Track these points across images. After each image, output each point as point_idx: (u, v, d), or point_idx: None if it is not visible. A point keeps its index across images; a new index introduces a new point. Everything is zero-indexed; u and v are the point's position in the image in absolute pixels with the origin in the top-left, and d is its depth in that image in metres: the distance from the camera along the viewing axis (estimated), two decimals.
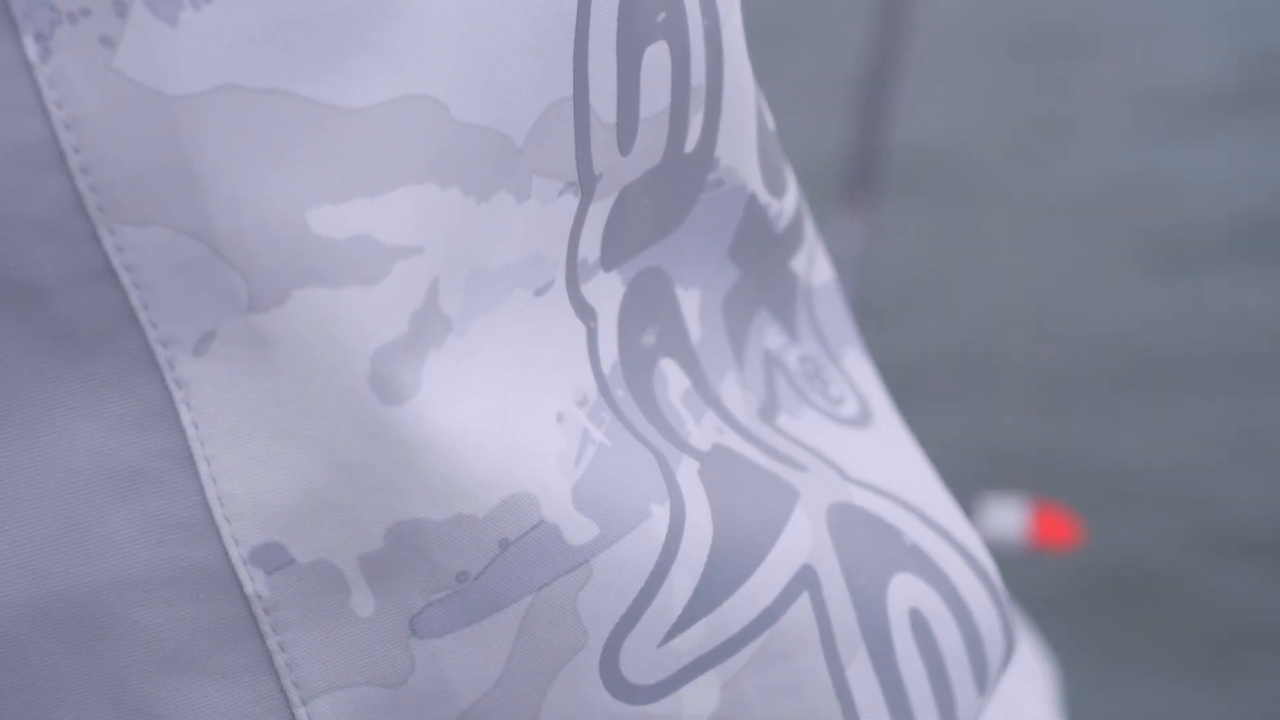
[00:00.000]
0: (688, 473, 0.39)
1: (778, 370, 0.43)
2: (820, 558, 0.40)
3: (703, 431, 0.40)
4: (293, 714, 0.36)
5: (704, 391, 0.40)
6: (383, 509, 0.35)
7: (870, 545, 0.41)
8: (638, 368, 0.39)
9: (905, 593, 0.41)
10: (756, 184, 0.42)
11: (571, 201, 0.38)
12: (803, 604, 0.39)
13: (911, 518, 0.43)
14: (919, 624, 0.41)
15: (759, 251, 0.42)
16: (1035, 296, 2.85)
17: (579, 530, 0.36)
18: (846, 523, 0.41)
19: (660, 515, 0.37)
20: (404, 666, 0.36)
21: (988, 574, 0.44)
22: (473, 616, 0.36)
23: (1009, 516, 0.81)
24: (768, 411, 0.42)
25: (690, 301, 0.41)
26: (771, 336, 0.43)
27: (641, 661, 0.37)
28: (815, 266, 0.44)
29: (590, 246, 0.38)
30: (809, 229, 0.44)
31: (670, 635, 0.37)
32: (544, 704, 0.37)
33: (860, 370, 0.45)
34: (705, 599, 0.38)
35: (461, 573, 0.36)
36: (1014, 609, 0.63)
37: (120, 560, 0.35)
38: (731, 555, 0.38)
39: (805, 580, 0.39)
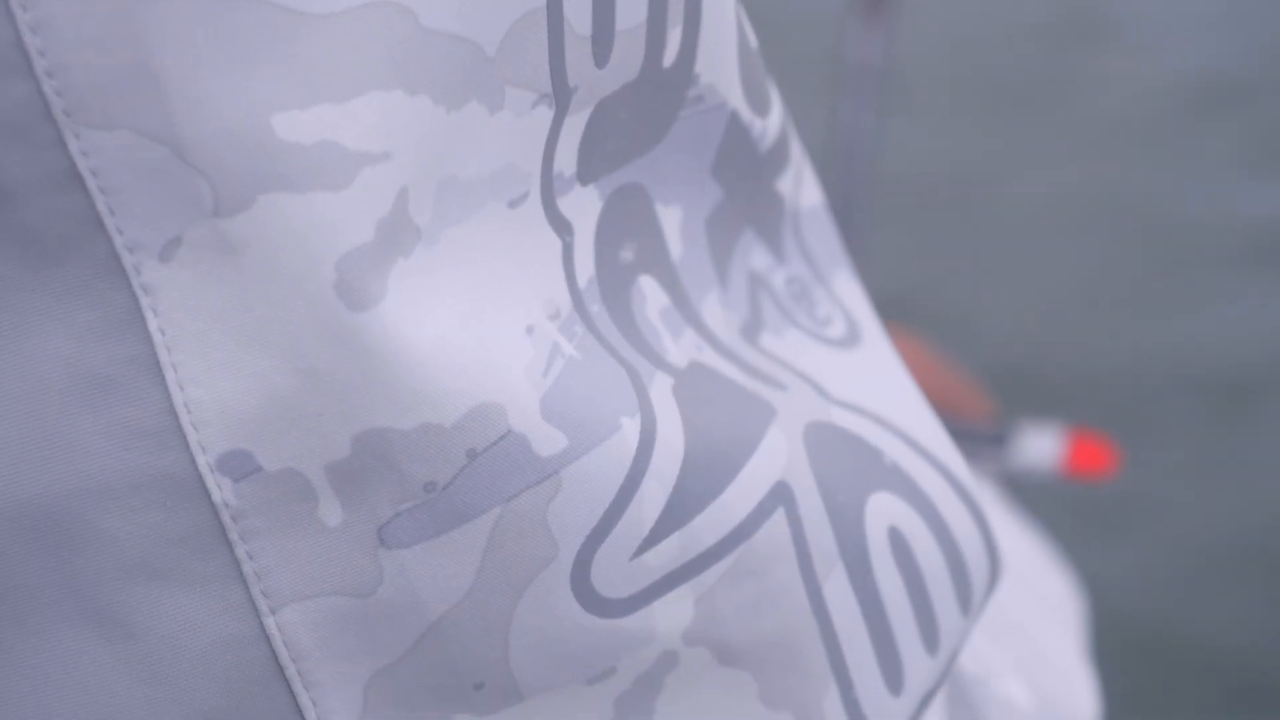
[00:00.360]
0: (661, 388, 0.38)
1: (763, 291, 0.42)
2: (796, 475, 0.40)
3: (680, 349, 0.40)
4: (261, 623, 0.36)
5: (684, 309, 0.40)
6: (349, 417, 0.35)
7: (849, 464, 0.41)
8: (615, 283, 0.39)
9: (884, 511, 0.41)
10: (738, 102, 0.41)
11: (546, 114, 0.37)
12: (777, 520, 0.39)
13: (893, 438, 0.42)
14: (898, 542, 0.41)
15: (743, 171, 0.42)
16: (1050, 309, 2.82)
17: (547, 441, 0.36)
18: (824, 441, 0.41)
19: (630, 429, 0.37)
20: (372, 577, 0.36)
21: (971, 497, 0.44)
22: (441, 527, 0.36)
23: (1045, 443, 0.80)
24: (750, 331, 0.41)
25: (671, 219, 0.41)
26: (757, 257, 0.43)
27: (613, 575, 0.37)
28: (803, 188, 0.44)
29: (566, 160, 0.38)
30: (795, 149, 0.44)
31: (642, 549, 0.37)
32: (515, 616, 0.37)
33: (850, 292, 0.45)
34: (677, 513, 0.38)
35: (429, 483, 0.36)
36: (1035, 536, 0.62)
37: (89, 468, 0.35)
38: (704, 471, 0.38)
39: (780, 497, 0.39)
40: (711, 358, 0.40)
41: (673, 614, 0.38)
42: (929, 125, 3.40)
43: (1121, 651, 2.17)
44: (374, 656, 0.36)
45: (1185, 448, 2.49)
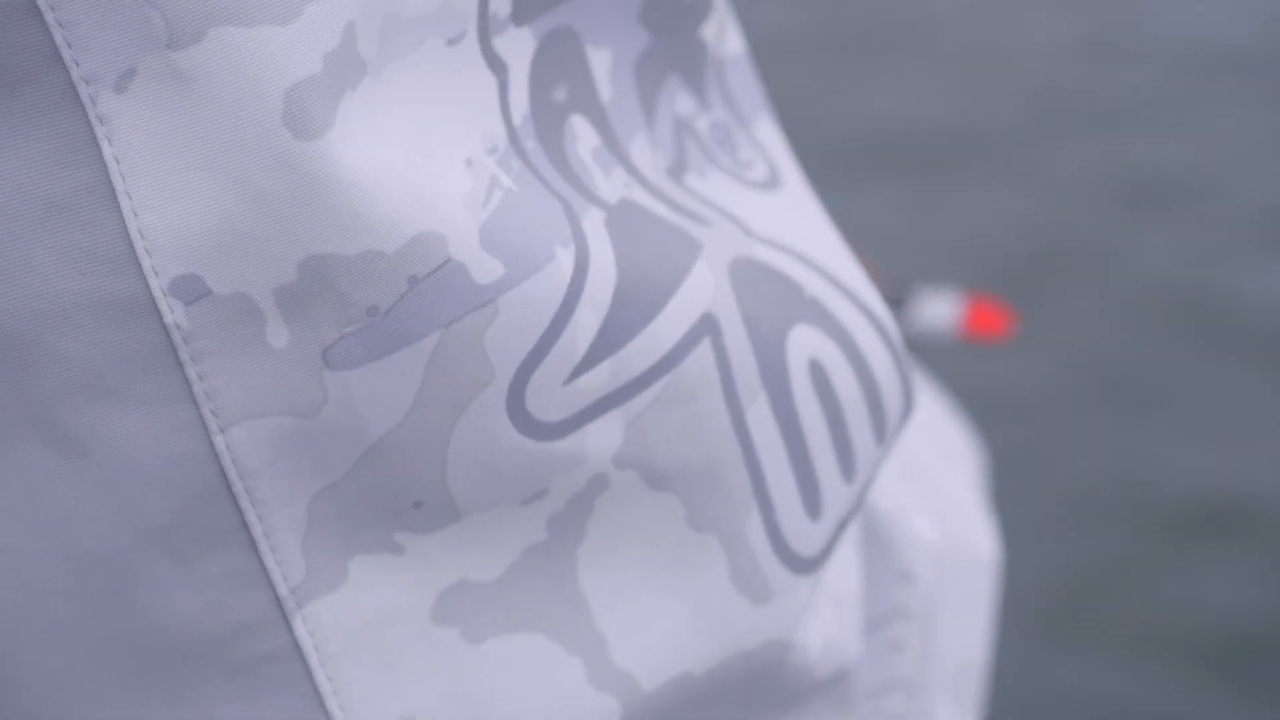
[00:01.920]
0: (594, 222, 0.40)
1: (687, 134, 0.44)
2: (721, 307, 0.41)
3: (611, 186, 0.41)
4: (211, 441, 0.37)
5: (613, 149, 0.42)
6: (295, 242, 0.36)
7: (771, 297, 0.43)
8: (548, 122, 0.41)
9: (804, 343, 0.43)
10: None
11: None
12: (704, 349, 0.41)
13: (813, 274, 0.44)
14: (817, 373, 0.43)
15: (669, 18, 0.44)
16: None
17: (485, 269, 0.38)
18: (748, 275, 0.42)
19: (565, 258, 0.39)
20: (317, 397, 0.38)
21: (888, 331, 0.45)
22: (383, 350, 0.37)
23: (943, 307, 0.82)
24: (676, 171, 0.43)
25: (601, 61, 0.42)
26: (682, 101, 0.44)
27: (547, 399, 0.39)
28: (726, 37, 0.46)
29: (501, 1, 0.40)
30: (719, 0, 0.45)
31: (575, 374, 0.39)
32: (452, 437, 0.38)
33: (771, 138, 0.47)
34: (609, 340, 0.39)
35: (372, 307, 0.37)
36: (935, 392, 0.64)
37: (46, 289, 0.36)
38: (634, 300, 0.40)
39: (706, 327, 0.41)
40: (640, 195, 0.42)
41: (603, 438, 0.40)
42: (924, 80, 3.39)
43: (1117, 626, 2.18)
44: (318, 475, 0.38)
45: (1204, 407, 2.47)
